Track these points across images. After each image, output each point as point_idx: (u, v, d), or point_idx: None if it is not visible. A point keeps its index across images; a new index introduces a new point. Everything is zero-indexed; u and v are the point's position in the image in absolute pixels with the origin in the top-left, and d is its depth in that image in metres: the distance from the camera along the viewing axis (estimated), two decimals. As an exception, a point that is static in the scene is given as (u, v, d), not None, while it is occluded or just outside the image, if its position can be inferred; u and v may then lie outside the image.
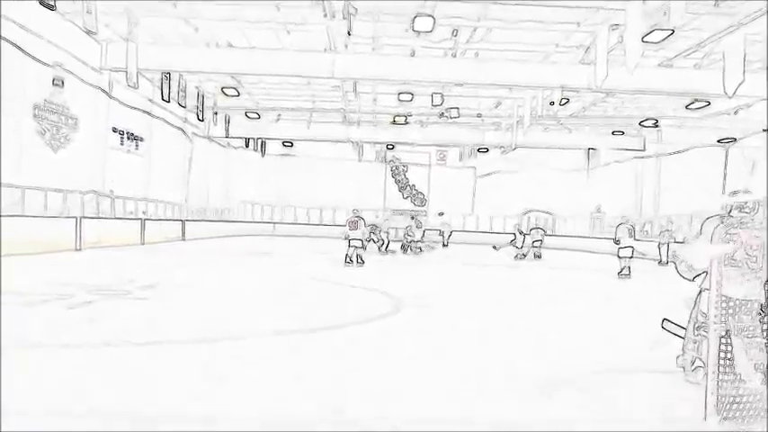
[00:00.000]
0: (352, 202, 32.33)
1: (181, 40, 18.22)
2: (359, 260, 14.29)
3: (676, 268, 4.50)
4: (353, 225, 14.22)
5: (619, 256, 13.90)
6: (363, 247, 14.46)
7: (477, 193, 35.18)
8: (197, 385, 4.15)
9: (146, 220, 20.61)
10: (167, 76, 19.38)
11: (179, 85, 20.68)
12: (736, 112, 22.06)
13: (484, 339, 6.22)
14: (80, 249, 15.65)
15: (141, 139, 21.59)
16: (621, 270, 13.86)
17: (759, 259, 3.73)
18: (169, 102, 20.26)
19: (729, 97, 15.67)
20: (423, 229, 21.62)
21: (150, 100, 22.09)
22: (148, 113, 22.25)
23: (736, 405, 3.59)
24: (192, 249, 19.33)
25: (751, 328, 3.69)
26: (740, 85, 15.17)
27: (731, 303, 3.74)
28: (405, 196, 35.57)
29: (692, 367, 4.61)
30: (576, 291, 11.71)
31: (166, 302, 7.80)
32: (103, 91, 18.67)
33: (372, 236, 19.72)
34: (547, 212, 32.84)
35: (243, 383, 4.24)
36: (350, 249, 14.16)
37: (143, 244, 19.57)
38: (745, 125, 23.41)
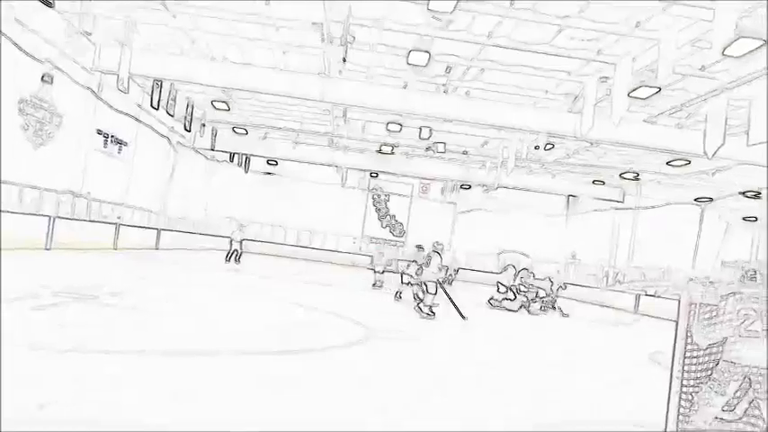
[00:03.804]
0: (331, 226, 32.36)
1: (176, 50, 18.24)
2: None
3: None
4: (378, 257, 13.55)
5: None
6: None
7: (455, 229, 35.29)
8: (154, 398, 4.06)
9: (121, 225, 20.30)
10: (159, 83, 19.36)
11: (169, 94, 20.66)
12: (713, 174, 22.58)
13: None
14: (50, 249, 15.34)
15: (125, 144, 21.39)
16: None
17: None
18: (158, 109, 20.20)
19: (709, 158, 16.04)
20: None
21: (139, 105, 21.93)
22: (135, 119, 22.08)
23: None
24: (164, 258, 19.05)
25: None
26: (720, 147, 15.55)
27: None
28: (383, 225, 35.54)
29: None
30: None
31: (133, 311, 7.65)
32: (92, 92, 18.53)
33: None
34: (522, 254, 33.01)
35: (199, 400, 4.16)
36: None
37: (116, 249, 19.25)
38: (722, 186, 23.98)
